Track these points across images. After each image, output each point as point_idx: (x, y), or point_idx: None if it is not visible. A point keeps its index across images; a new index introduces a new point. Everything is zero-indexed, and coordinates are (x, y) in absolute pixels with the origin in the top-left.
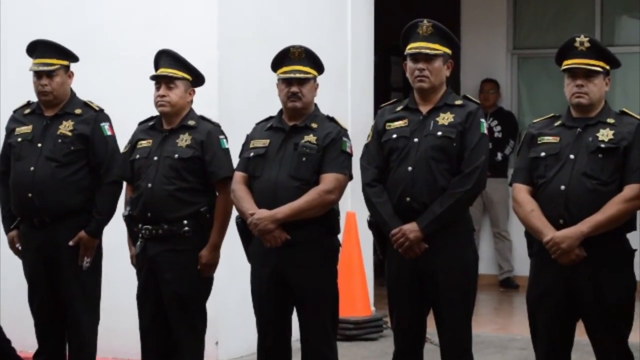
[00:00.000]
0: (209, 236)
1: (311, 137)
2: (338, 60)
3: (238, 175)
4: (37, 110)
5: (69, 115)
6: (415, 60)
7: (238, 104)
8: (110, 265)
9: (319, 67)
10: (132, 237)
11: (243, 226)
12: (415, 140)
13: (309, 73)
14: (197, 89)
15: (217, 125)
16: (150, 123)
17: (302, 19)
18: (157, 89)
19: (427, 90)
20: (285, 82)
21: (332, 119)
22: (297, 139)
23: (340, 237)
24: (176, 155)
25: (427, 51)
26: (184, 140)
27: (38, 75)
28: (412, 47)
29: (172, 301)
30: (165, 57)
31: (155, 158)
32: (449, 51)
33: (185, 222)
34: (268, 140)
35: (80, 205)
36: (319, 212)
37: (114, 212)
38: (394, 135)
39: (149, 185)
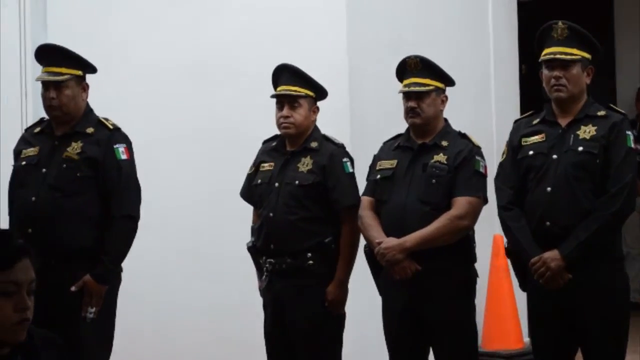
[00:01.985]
0: (335, 269)
1: (441, 157)
2: (479, 70)
3: (365, 200)
4: (47, 129)
5: (79, 135)
6: (551, 68)
7: (371, 118)
8: None
9: (442, 78)
10: (258, 270)
11: (371, 256)
12: (554, 156)
13: (428, 85)
14: (326, 102)
15: (341, 147)
16: (274, 143)
17: (438, 26)
18: (279, 108)
19: (565, 101)
20: (404, 96)
21: (464, 136)
22: (426, 159)
23: (480, 265)
24: (297, 182)
25: (563, 57)
26: (305, 164)
27: (45, 86)
28: (547, 52)
29: (298, 341)
30: (286, 73)
31: (277, 184)
32: (588, 56)
33: (309, 254)
34: (396, 161)
35: (89, 243)
36: (451, 239)
37: (126, 253)
38: (531, 152)
39: (271, 214)
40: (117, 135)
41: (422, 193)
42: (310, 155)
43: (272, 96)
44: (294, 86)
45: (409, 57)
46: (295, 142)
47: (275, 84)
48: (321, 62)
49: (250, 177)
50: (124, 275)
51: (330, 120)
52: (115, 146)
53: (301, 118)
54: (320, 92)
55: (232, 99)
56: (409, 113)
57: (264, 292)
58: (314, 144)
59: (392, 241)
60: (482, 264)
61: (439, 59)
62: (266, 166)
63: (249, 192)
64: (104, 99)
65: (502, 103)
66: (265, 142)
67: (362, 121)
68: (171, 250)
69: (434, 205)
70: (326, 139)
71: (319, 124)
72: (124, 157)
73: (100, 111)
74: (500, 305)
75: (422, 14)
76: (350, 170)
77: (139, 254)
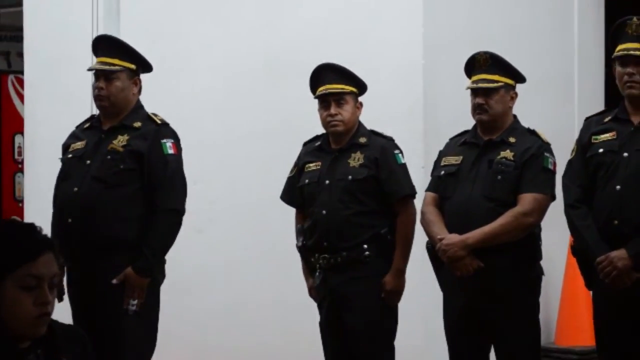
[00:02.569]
0: (392, 260)
1: (508, 153)
2: (563, 68)
3: (429, 196)
4: (95, 123)
5: (126, 128)
6: (624, 64)
7: (445, 115)
8: None
9: (512, 75)
10: (309, 268)
11: (433, 252)
12: (625, 155)
13: (497, 82)
14: (402, 101)
15: (391, 139)
16: (317, 143)
17: (520, 23)
18: (325, 107)
19: (638, 98)
20: (472, 92)
21: (533, 132)
22: (493, 155)
23: (556, 261)
24: (350, 177)
25: (637, 52)
26: (356, 159)
27: (96, 75)
28: (621, 49)
29: (356, 333)
30: (328, 72)
31: (327, 182)
32: None
33: (365, 246)
34: (461, 157)
35: (131, 236)
36: (516, 236)
37: (169, 247)
38: (601, 150)
39: (324, 211)
40: (165, 130)
41: (487, 189)
42: (360, 150)
43: (317, 96)
44: (338, 84)
45: (478, 53)
46: (341, 140)
47: (316, 84)
48: (396, 59)
49: (292, 180)
50: (192, 271)
51: (404, 117)
52: (162, 140)
53: (348, 115)
54: (362, 87)
55: (304, 97)
56: (476, 109)
57: (319, 288)
58: (362, 140)
59: (454, 237)
60: (559, 260)
61: (520, 58)
62: (312, 166)
63: (290, 195)
64: (175, 96)
65: (586, 103)
66: (307, 143)
67: (436, 118)
68: (238, 247)
69: (499, 201)
70: (374, 133)
71: (393, 121)
72: (171, 151)
73: (170, 108)
74: (575, 301)
75: (503, 10)
76: (402, 161)
77: (209, 246)
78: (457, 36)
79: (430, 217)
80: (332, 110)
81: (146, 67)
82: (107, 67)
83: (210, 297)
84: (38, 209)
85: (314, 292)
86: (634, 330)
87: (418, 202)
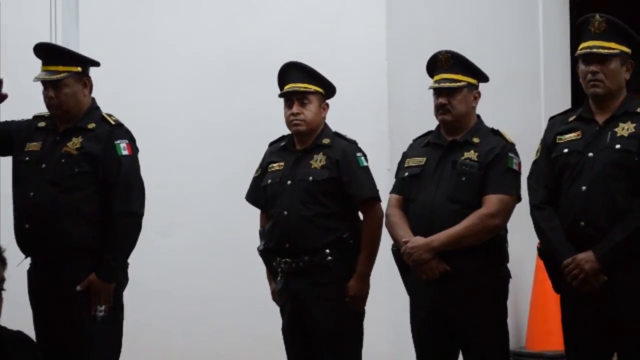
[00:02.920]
0: (355, 265)
1: (472, 154)
2: (528, 67)
3: (393, 199)
4: (50, 125)
5: (80, 130)
6: (587, 62)
7: (410, 115)
8: None
9: (474, 74)
10: (272, 272)
11: (399, 255)
12: (590, 155)
13: (459, 81)
14: (366, 102)
15: (353, 142)
16: (282, 143)
17: (484, 20)
18: (289, 106)
19: (602, 97)
20: (434, 92)
21: (497, 132)
22: (457, 156)
23: (525, 264)
24: (310, 178)
25: (600, 51)
26: (318, 160)
27: (44, 85)
28: (583, 47)
29: (320, 340)
30: (293, 70)
31: (289, 182)
32: (627, 50)
33: (327, 251)
34: (424, 158)
35: (90, 241)
36: (482, 238)
37: (130, 250)
38: (565, 150)
39: (285, 212)
40: (119, 130)
41: (452, 191)
42: (323, 151)
43: (281, 95)
44: (303, 83)
45: (439, 52)
46: (305, 141)
47: (283, 83)
48: (360, 59)
49: (256, 180)
50: (156, 277)
51: (369, 118)
52: (116, 142)
53: (312, 115)
54: (330, 89)
55: (270, 98)
56: (439, 110)
57: (281, 293)
58: (325, 141)
59: (418, 240)
60: (528, 263)
61: (485, 57)
62: (275, 166)
63: (255, 195)
64: (138, 97)
65: (553, 102)
66: (272, 143)
67: (401, 119)
68: (204, 249)
69: (463, 203)
70: (338, 135)
71: (357, 122)
72: (125, 152)
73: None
74: (545, 305)
75: (468, 10)
76: (365, 164)
77: (173, 251)
78: (421, 35)
79: (395, 219)
80: (295, 109)
81: (92, 63)
82: (52, 77)
83: (175, 303)
84: None
85: (276, 297)
86: (602, 335)
87: (384, 206)
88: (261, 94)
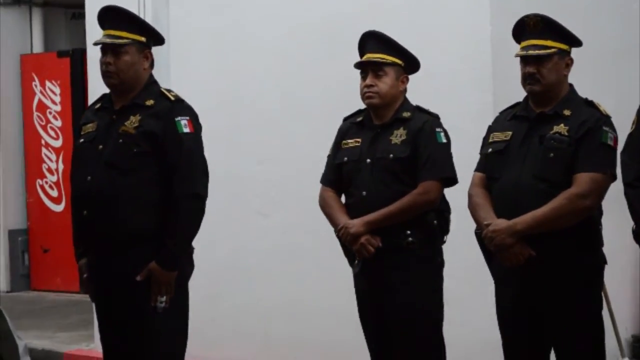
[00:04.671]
0: (438, 249)
1: (562, 127)
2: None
3: (476, 177)
4: (106, 103)
5: (138, 107)
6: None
7: (517, 86)
8: None
9: (566, 39)
10: (348, 255)
11: (482, 239)
12: None
13: (549, 47)
14: (469, 71)
15: (436, 116)
16: (359, 119)
17: None
18: (363, 78)
19: None
20: (522, 60)
21: (591, 103)
22: (545, 130)
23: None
24: (391, 155)
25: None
26: (399, 136)
27: (103, 50)
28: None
29: (398, 325)
30: (372, 40)
31: (368, 160)
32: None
33: (408, 232)
34: (510, 133)
35: (151, 226)
36: (570, 221)
37: (193, 235)
38: None
39: (364, 192)
40: (179, 106)
41: (538, 168)
42: (404, 125)
43: (356, 65)
44: (380, 53)
45: (527, 16)
46: (383, 115)
47: (361, 53)
48: (462, 26)
49: (330, 159)
50: (257, 259)
51: (472, 89)
52: (177, 119)
53: (386, 87)
54: (411, 62)
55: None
56: (527, 79)
57: (358, 277)
58: (406, 114)
59: (501, 223)
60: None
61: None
62: (351, 142)
63: (330, 176)
64: (233, 72)
65: None
66: (347, 118)
67: (507, 89)
68: (305, 231)
69: (551, 182)
70: (420, 109)
71: (460, 93)
72: (186, 130)
73: (229, 85)
74: None
75: None
76: (444, 140)
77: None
78: (527, 5)
79: (477, 200)
80: (369, 81)
81: (158, 39)
82: (114, 41)
83: (277, 285)
84: None
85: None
86: None
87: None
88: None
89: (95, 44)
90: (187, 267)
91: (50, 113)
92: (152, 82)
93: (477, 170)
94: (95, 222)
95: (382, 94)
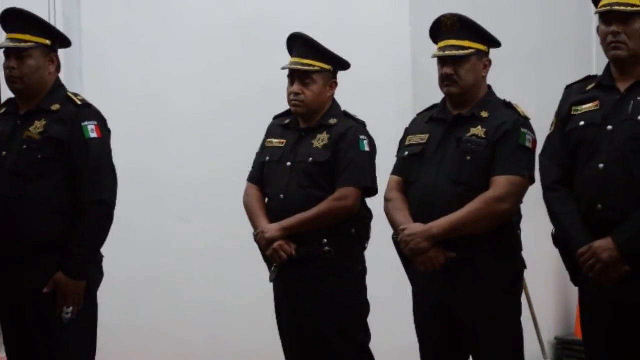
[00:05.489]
0: (354, 258)
1: (479, 130)
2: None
3: (393, 181)
4: (11, 108)
5: (43, 112)
6: (608, 23)
7: (436, 86)
8: None
9: (484, 39)
10: (266, 260)
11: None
12: (609, 128)
13: (467, 48)
14: (388, 71)
15: (362, 123)
16: (287, 121)
17: None
18: (291, 82)
19: (625, 61)
20: (439, 61)
21: (509, 105)
22: (462, 133)
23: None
24: (310, 159)
25: (623, 8)
26: (321, 140)
27: (6, 54)
28: (603, 4)
29: (318, 339)
30: (299, 44)
31: (289, 163)
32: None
33: (325, 240)
34: (427, 135)
35: (56, 235)
36: (488, 225)
37: (101, 244)
38: (582, 123)
39: (281, 196)
40: (86, 111)
41: (455, 172)
42: (327, 131)
43: (283, 69)
44: (307, 59)
45: (444, 16)
46: (310, 119)
47: (289, 54)
48: (381, 25)
49: (257, 157)
50: (177, 264)
51: (391, 89)
52: (83, 124)
53: (313, 96)
54: (340, 64)
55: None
56: (444, 81)
57: (275, 284)
58: (332, 121)
59: (417, 227)
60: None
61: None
62: (275, 142)
63: (258, 174)
64: (149, 72)
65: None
66: (277, 117)
67: (427, 90)
68: (225, 237)
69: (468, 185)
70: (347, 115)
71: (379, 93)
72: (93, 135)
73: (144, 86)
74: None
75: None
76: (367, 149)
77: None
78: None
79: (394, 204)
80: (296, 88)
81: (64, 42)
82: (17, 45)
83: (198, 291)
84: None
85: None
86: (624, 337)
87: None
88: (277, 67)
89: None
90: (95, 275)
91: None
92: (59, 86)
93: (393, 173)
94: (0, 230)
95: (308, 102)
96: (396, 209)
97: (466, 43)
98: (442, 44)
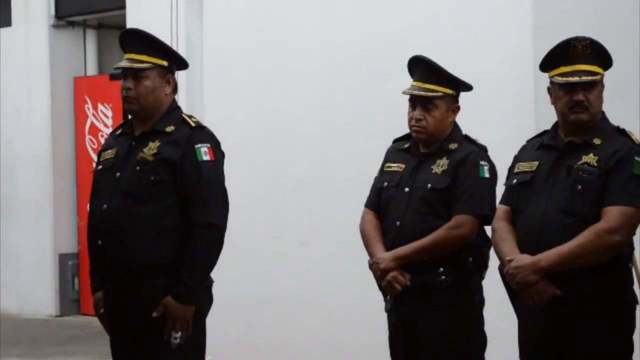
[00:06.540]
0: (473, 287)
1: (591, 158)
2: None
3: (500, 210)
4: (127, 129)
5: (157, 134)
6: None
7: None
8: None
9: (608, 65)
10: (381, 289)
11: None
12: None
13: (596, 74)
14: (510, 94)
15: (483, 148)
16: (406, 145)
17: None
18: (412, 107)
19: None
20: (565, 87)
21: (623, 132)
22: (573, 161)
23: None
24: (429, 185)
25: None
26: (440, 165)
27: (123, 74)
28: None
29: None
30: (421, 67)
31: (407, 189)
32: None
33: (441, 269)
34: (537, 163)
35: (167, 258)
36: (599, 258)
37: (211, 268)
38: None
39: (398, 223)
40: (199, 133)
41: (565, 201)
42: (447, 156)
43: (404, 93)
44: (429, 83)
45: (575, 39)
46: (430, 144)
47: (412, 77)
48: (503, 48)
49: (375, 182)
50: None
51: (513, 112)
52: (196, 146)
53: (435, 122)
54: (462, 87)
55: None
56: (574, 107)
57: (390, 314)
58: (452, 146)
59: (524, 259)
60: None
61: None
62: (394, 166)
63: (376, 199)
64: (272, 97)
65: None
66: (396, 140)
67: (549, 114)
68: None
69: (578, 216)
70: (468, 139)
71: (500, 117)
72: (206, 157)
73: (266, 110)
74: None
75: None
76: (487, 175)
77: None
78: (571, 20)
79: (501, 233)
80: (417, 114)
81: (181, 63)
82: (134, 65)
83: (315, 316)
84: None
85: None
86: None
87: None
88: (398, 90)
89: (116, 68)
90: (205, 301)
91: (102, 136)
92: (175, 108)
93: (501, 202)
94: (110, 253)
95: (430, 128)
96: (502, 239)
97: (594, 68)
98: (568, 68)
